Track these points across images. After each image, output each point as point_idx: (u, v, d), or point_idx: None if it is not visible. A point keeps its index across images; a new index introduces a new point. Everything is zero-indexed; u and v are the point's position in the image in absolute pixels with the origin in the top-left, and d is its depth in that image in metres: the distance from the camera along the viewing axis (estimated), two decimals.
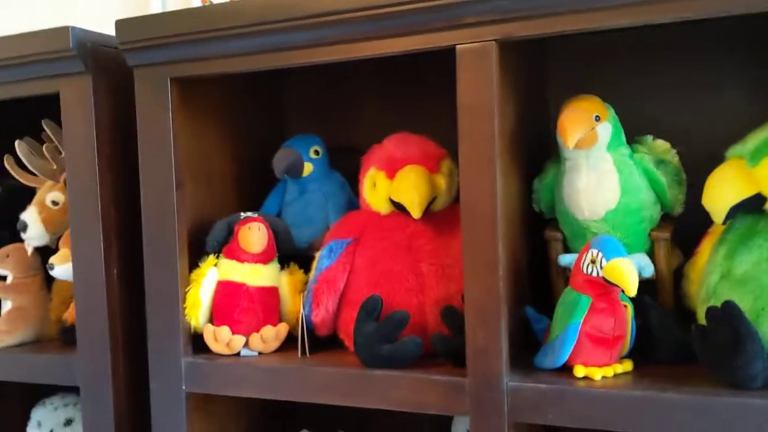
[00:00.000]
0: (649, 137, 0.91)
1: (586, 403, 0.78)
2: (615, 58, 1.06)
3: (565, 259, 0.91)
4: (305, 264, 1.05)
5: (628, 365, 0.83)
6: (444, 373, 0.85)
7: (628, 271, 0.79)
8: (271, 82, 1.25)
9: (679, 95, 1.03)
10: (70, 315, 1.13)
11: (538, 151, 0.98)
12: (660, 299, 0.90)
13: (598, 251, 0.81)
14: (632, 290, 0.78)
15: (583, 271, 0.82)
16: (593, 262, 0.81)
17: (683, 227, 0.92)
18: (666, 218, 0.91)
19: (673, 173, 0.88)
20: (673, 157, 0.89)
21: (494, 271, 0.80)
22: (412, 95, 1.18)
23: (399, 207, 0.94)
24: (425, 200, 0.91)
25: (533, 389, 0.80)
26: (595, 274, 0.81)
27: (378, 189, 0.96)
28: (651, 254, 0.90)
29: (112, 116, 1.04)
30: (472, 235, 0.81)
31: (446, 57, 0.84)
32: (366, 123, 1.22)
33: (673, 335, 0.84)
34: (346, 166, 1.14)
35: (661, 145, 0.90)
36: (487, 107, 0.80)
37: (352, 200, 1.10)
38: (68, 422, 1.27)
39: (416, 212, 0.90)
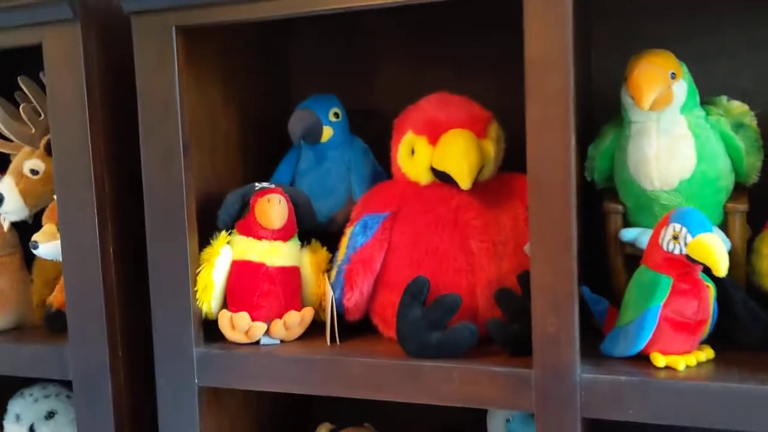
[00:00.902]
0: (724, 98, 0.82)
1: (673, 396, 0.69)
2: (661, 12, 0.96)
3: (630, 234, 0.82)
4: (324, 240, 0.94)
5: (710, 352, 0.75)
6: (504, 364, 0.75)
7: (718, 248, 0.70)
8: (277, 37, 1.12)
9: (735, 56, 0.94)
10: (55, 298, 1.00)
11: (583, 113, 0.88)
12: (733, 277, 0.81)
13: (682, 226, 0.72)
14: (723, 270, 0.69)
15: (662, 247, 0.73)
16: (675, 238, 0.72)
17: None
18: (738, 188, 0.82)
19: (753, 138, 0.80)
20: (751, 120, 0.80)
21: (568, 250, 0.71)
22: (436, 52, 1.06)
23: (442, 177, 0.83)
24: (475, 169, 0.81)
25: (611, 382, 0.71)
26: (677, 251, 0.72)
27: (417, 156, 0.85)
28: (723, 228, 0.81)
29: (106, 71, 0.90)
30: (541, 209, 0.71)
31: (478, 5, 0.72)
32: (384, 83, 1.10)
33: (761, 319, 0.75)
34: (364, 132, 1.03)
35: (739, 106, 0.81)
36: (562, 61, 0.69)
37: (377, 169, 0.99)
38: (50, 415, 1.14)
39: (466, 183, 0.80)
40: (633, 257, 0.84)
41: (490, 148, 0.84)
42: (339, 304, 0.85)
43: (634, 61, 0.77)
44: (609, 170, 0.85)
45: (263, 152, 1.05)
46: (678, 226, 0.72)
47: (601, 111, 0.92)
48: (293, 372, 0.82)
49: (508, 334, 0.77)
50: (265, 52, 1.09)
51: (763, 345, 0.76)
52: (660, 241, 0.73)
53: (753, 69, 0.93)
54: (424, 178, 0.85)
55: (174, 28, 0.83)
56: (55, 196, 0.93)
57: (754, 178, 0.81)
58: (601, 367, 0.73)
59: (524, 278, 0.79)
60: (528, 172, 0.71)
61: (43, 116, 1.00)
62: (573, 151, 0.70)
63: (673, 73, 0.76)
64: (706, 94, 0.85)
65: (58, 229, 0.94)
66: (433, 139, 0.83)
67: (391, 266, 0.84)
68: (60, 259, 0.93)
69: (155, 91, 0.85)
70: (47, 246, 0.96)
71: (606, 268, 0.87)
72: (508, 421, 0.95)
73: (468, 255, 0.81)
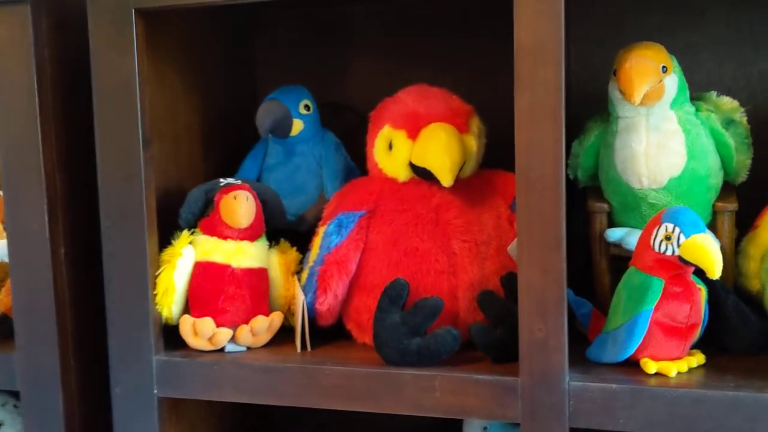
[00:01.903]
0: (713, 93, 0.79)
1: (667, 405, 0.66)
2: (643, 6, 0.94)
3: (616, 234, 0.79)
4: (292, 240, 0.89)
5: (701, 357, 0.72)
6: (488, 372, 0.71)
7: (713, 250, 0.67)
8: (242, 27, 1.06)
9: (718, 51, 0.92)
10: (0, 302, 0.92)
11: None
12: (721, 279, 0.79)
13: (674, 226, 0.68)
14: (718, 272, 0.66)
15: (653, 248, 0.69)
16: (668, 238, 0.68)
17: None
18: (726, 187, 0.80)
19: (743, 135, 0.77)
20: (741, 116, 0.78)
21: (557, 250, 0.67)
22: (409, 45, 1.02)
23: (422, 173, 0.78)
24: (458, 165, 0.77)
25: (601, 390, 0.67)
26: (669, 252, 0.68)
27: (395, 151, 0.80)
28: (711, 228, 0.79)
29: (58, 57, 0.83)
30: (530, 206, 0.67)
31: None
32: (353, 77, 1.06)
33: (752, 323, 0.73)
34: (332, 126, 0.98)
35: (729, 102, 0.78)
36: (554, 49, 0.65)
37: (349, 165, 0.94)
38: None
39: (448, 179, 0.76)
40: (618, 258, 0.81)
41: (472, 143, 0.80)
42: (311, 309, 0.80)
43: (624, 53, 0.74)
44: (593, 168, 0.82)
45: (227, 146, 1.00)
46: (670, 226, 0.69)
47: (579, 106, 0.89)
48: (262, 381, 0.77)
49: (492, 339, 0.73)
50: (229, 42, 1.03)
51: (753, 349, 0.73)
52: (651, 241, 0.70)
53: (736, 64, 0.92)
54: (402, 174, 0.81)
55: (134, 11, 0.77)
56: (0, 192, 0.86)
57: (743, 176, 0.79)
58: (589, 374, 0.70)
59: (508, 280, 0.75)
60: (516, 166, 0.67)
61: None
62: (563, 143, 0.66)
63: (665, 67, 0.73)
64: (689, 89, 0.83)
65: (3, 228, 0.87)
66: (413, 134, 0.78)
67: (368, 268, 0.79)
68: (6, 259, 0.85)
69: (113, 79, 0.79)
70: None
71: (589, 269, 0.84)
72: (485, 429, 0.91)
73: (450, 256, 0.77)
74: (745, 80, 0.92)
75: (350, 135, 0.97)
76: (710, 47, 0.93)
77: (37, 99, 0.82)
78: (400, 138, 0.79)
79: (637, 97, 0.71)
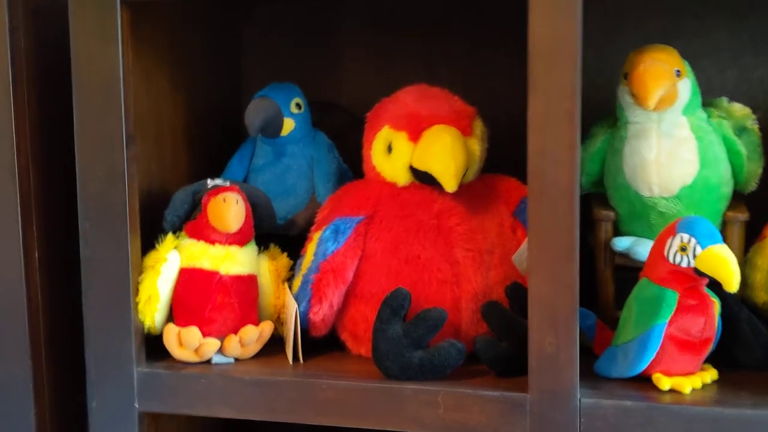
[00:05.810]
0: (724, 99, 0.77)
1: (683, 423, 0.63)
2: (643, 12, 0.92)
3: (623, 243, 0.76)
4: (280, 244, 0.84)
5: (714, 373, 0.69)
6: (495, 387, 0.67)
7: (731, 262, 0.64)
8: (230, 22, 1.02)
9: (718, 59, 0.90)
10: None
11: None
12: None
13: (690, 236, 0.66)
14: (736, 285, 0.64)
15: (668, 260, 0.67)
16: (683, 249, 0.66)
17: None
18: (735, 196, 0.78)
19: (755, 143, 0.75)
20: (753, 124, 0.76)
21: (570, 260, 0.64)
22: (401, 43, 0.99)
23: (424, 177, 0.75)
24: (462, 170, 0.73)
25: (614, 407, 0.64)
26: (685, 264, 0.66)
27: (395, 154, 0.76)
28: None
29: (35, 49, 0.78)
30: (542, 214, 0.64)
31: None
32: (344, 75, 1.02)
33: (764, 337, 0.70)
34: (323, 127, 0.94)
35: (741, 109, 0.76)
36: (571, 51, 0.62)
37: (342, 167, 0.90)
38: None
39: (452, 184, 0.72)
40: (622, 268, 0.79)
41: (476, 147, 0.76)
42: (304, 318, 0.76)
43: (637, 56, 0.72)
44: (598, 174, 0.80)
45: (212, 146, 0.95)
46: (686, 237, 0.66)
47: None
48: (253, 396, 0.72)
49: (498, 353, 0.69)
50: (216, 37, 0.99)
51: (765, 364, 0.71)
52: (665, 252, 0.67)
53: (737, 71, 0.90)
54: (402, 178, 0.77)
55: (119, 1, 0.72)
56: None
57: (752, 185, 0.77)
58: (601, 390, 0.67)
59: (513, 291, 0.72)
60: (529, 171, 0.64)
61: None
62: (578, 149, 0.63)
63: (678, 71, 0.71)
64: None
65: None
66: (414, 136, 0.75)
67: (365, 276, 0.75)
68: None
69: (95, 70, 0.73)
70: None
71: (592, 279, 0.81)
72: None
73: (452, 264, 0.73)
74: (746, 86, 0.91)
75: (341, 136, 0.94)
76: (711, 54, 0.91)
77: (11, 92, 0.76)
78: (400, 140, 0.75)
79: (652, 102, 0.69)
